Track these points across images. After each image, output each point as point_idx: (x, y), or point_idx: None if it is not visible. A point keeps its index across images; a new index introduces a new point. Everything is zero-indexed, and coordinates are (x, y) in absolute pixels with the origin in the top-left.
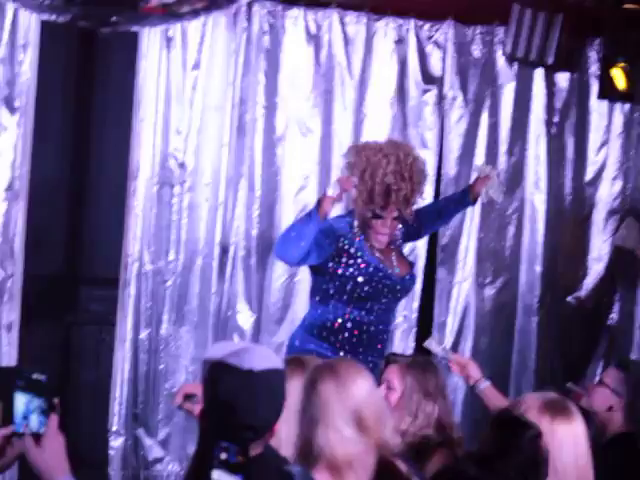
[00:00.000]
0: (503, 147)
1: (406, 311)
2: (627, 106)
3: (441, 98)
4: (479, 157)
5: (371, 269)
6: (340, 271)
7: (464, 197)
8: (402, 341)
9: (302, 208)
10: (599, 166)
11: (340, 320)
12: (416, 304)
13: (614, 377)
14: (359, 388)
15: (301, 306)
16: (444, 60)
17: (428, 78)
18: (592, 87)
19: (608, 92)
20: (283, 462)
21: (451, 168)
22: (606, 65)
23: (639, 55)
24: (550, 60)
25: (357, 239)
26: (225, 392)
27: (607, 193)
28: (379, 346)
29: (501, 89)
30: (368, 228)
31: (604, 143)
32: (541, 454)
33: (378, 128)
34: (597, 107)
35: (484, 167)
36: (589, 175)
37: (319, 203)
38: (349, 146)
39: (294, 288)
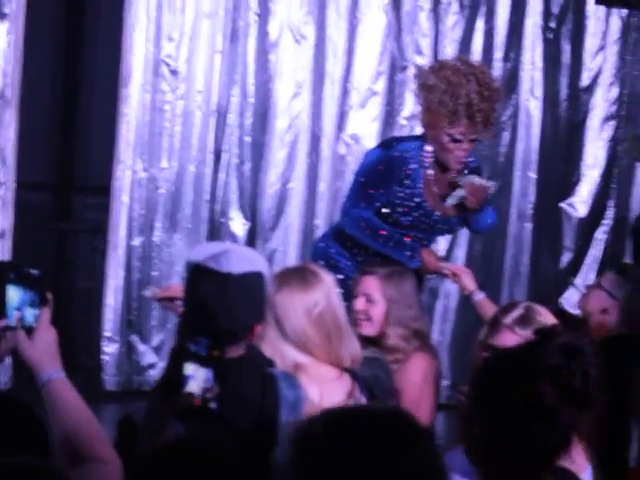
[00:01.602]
0: (498, 53)
1: None
2: (624, 11)
3: (436, 4)
4: None
5: (413, 203)
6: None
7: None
8: None
9: (296, 115)
10: (595, 72)
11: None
12: None
13: (611, 280)
14: (296, 308)
15: (295, 212)
16: None
17: None
18: None
19: None
20: (267, 364)
21: None
22: None
23: None
24: None
25: (417, 167)
26: (204, 295)
27: (603, 99)
28: None
29: None
30: (446, 152)
31: (601, 49)
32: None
33: (372, 34)
34: (594, 12)
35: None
36: (585, 81)
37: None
38: (421, 67)
39: (288, 195)
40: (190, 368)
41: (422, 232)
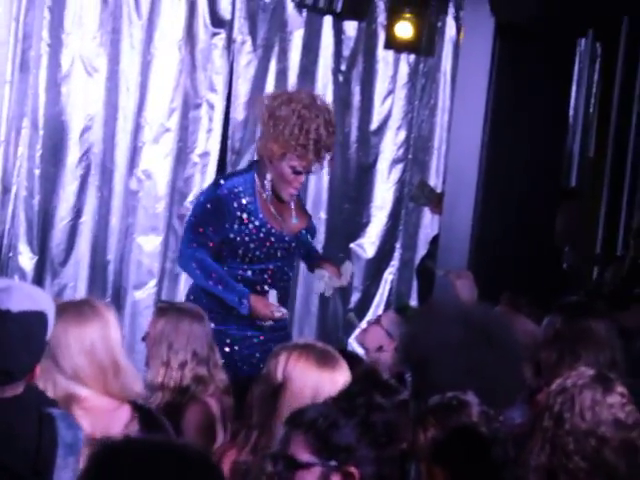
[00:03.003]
0: None
1: None
2: (412, 57)
3: (230, 42)
4: None
5: (262, 234)
6: (232, 236)
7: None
8: (187, 286)
9: (87, 149)
10: (384, 115)
11: (226, 268)
12: None
13: (390, 319)
14: (69, 341)
15: (85, 247)
16: (233, 4)
17: (217, 21)
18: (379, 36)
19: (394, 42)
20: (46, 403)
21: (239, 113)
22: (393, 15)
23: (425, 6)
24: (339, 8)
25: (251, 199)
26: None
27: (391, 142)
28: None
29: (290, 35)
30: (284, 183)
31: (390, 92)
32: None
33: (166, 70)
34: (383, 57)
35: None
36: (375, 124)
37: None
38: (269, 96)
39: (78, 229)
40: None
41: (281, 260)
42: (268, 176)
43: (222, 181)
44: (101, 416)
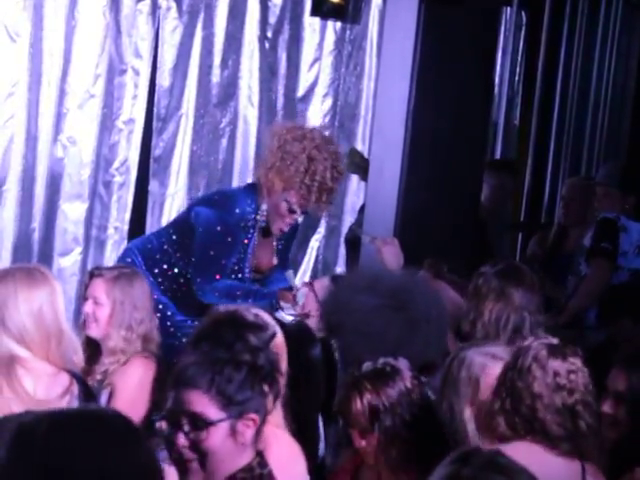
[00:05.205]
0: (217, 60)
1: (118, 222)
2: (339, 25)
3: (155, 8)
4: (193, 69)
5: (236, 267)
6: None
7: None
8: (113, 253)
9: (10, 116)
10: (311, 82)
11: (176, 270)
12: (128, 216)
13: (322, 285)
14: (18, 302)
15: (10, 215)
16: None
17: None
18: (306, 3)
19: (321, 9)
20: None
21: (165, 79)
22: None
23: None
24: None
25: (251, 236)
26: None
27: (318, 109)
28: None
29: (215, 2)
30: (278, 217)
31: (316, 60)
32: (275, 353)
33: (91, 36)
34: (310, 24)
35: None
36: (301, 91)
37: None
38: (283, 126)
39: (2, 197)
40: None
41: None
42: (263, 206)
43: (229, 203)
44: (43, 378)
